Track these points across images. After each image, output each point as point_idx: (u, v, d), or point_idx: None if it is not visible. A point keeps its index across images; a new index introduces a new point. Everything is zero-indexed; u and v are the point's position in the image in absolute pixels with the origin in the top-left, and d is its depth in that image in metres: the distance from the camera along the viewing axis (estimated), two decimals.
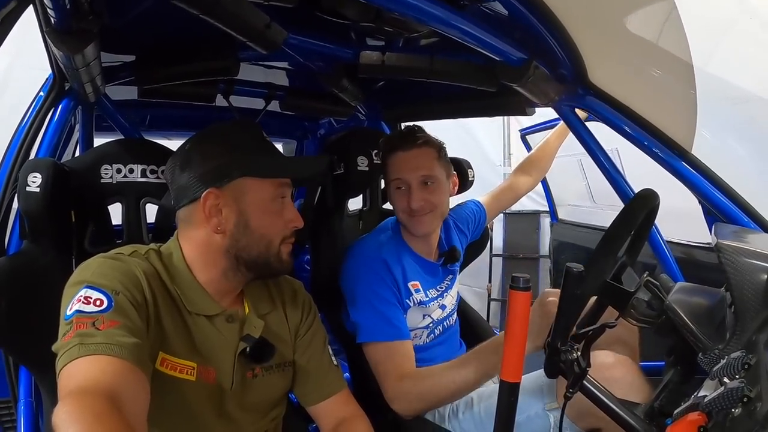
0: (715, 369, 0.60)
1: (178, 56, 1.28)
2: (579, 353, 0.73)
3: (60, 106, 1.22)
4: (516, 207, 2.23)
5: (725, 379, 0.56)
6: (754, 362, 0.57)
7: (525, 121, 2.57)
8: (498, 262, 3.41)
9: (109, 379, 0.58)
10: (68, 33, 0.85)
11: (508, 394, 0.69)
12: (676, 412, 0.62)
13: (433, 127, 1.33)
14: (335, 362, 0.94)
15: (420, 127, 1.22)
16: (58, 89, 1.22)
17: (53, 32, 0.85)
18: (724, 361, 0.60)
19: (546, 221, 2.93)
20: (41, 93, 1.24)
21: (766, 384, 0.51)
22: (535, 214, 3.05)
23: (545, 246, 2.95)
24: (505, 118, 3.20)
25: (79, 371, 0.59)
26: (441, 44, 1.22)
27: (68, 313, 0.66)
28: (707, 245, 1.32)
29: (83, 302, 0.66)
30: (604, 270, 0.84)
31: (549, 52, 1.04)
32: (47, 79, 1.24)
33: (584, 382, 0.75)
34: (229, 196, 0.80)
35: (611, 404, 0.75)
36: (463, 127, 3.19)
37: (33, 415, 0.96)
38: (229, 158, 0.80)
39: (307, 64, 1.37)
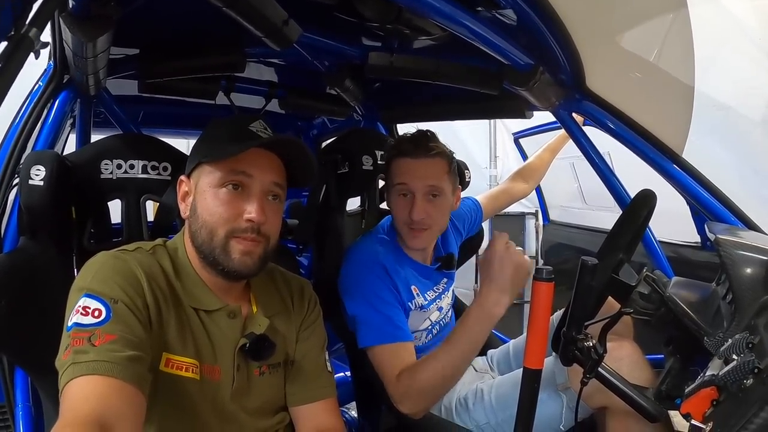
0: (722, 349, 0.66)
1: (184, 51, 1.26)
2: (595, 341, 0.77)
3: (58, 99, 1.18)
4: None
5: (733, 356, 0.62)
6: (758, 341, 0.63)
7: (512, 124, 2.64)
8: None
9: (101, 402, 0.60)
10: (86, 19, 0.82)
11: (532, 381, 0.72)
12: (687, 390, 0.66)
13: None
14: (329, 368, 0.93)
15: (433, 133, 1.15)
16: (57, 81, 1.18)
17: (69, 17, 0.81)
18: (730, 342, 0.66)
19: (531, 223, 3.01)
20: (40, 83, 1.20)
21: None
22: (521, 216, 3.11)
23: (530, 247, 3.02)
24: (492, 120, 3.27)
25: (73, 394, 0.61)
26: (447, 47, 1.24)
27: (69, 324, 0.67)
28: (695, 244, 1.40)
29: (81, 313, 0.67)
30: (610, 264, 0.89)
31: (552, 59, 1.08)
32: (46, 69, 1.20)
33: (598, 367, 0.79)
34: (193, 182, 0.82)
35: (624, 388, 0.79)
36: (449, 129, 3.24)
37: (32, 420, 0.92)
38: (198, 146, 0.84)
39: (313, 63, 1.38)
